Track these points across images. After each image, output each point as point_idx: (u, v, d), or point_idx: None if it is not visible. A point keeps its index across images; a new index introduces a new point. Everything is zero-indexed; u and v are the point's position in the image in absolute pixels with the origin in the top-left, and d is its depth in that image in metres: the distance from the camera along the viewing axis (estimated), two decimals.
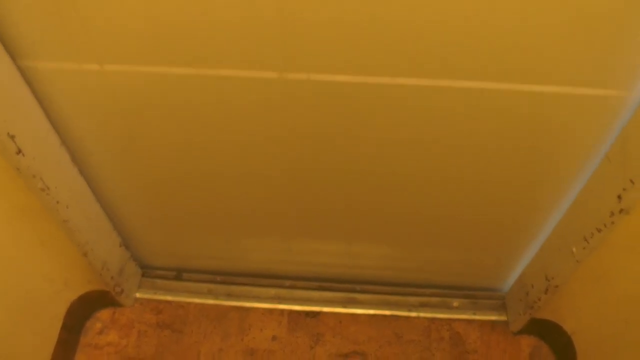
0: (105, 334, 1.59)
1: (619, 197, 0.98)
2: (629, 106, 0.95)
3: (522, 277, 1.50)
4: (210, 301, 1.65)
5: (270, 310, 1.65)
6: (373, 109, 1.04)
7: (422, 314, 1.64)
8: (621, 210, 1.00)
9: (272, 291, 1.67)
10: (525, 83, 0.95)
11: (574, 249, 1.17)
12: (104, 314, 1.61)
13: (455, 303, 1.65)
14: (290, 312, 1.65)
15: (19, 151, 1.00)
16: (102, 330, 1.59)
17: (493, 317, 1.63)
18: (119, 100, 1.06)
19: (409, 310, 1.64)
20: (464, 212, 1.33)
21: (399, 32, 0.88)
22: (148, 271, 1.70)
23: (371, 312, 1.64)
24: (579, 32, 0.85)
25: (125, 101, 1.06)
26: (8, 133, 0.96)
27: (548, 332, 1.52)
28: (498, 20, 0.85)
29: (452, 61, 0.92)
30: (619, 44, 0.86)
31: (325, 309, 1.65)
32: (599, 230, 1.07)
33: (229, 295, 1.66)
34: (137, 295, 1.65)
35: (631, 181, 0.94)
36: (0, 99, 0.93)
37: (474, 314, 1.63)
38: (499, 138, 1.09)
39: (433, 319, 1.63)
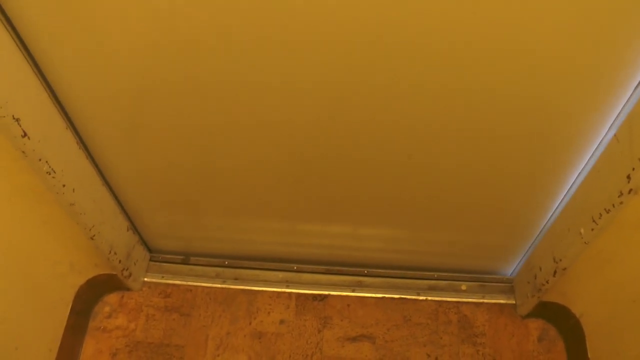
0: (114, 318, 1.60)
1: (628, 177, 0.97)
2: (635, 85, 0.94)
3: (530, 260, 1.49)
4: (218, 285, 1.66)
5: (278, 294, 1.65)
6: (380, 93, 1.04)
7: (430, 297, 1.64)
8: (630, 191, 0.99)
9: (280, 275, 1.67)
10: (528, 63, 0.94)
11: (582, 231, 1.16)
12: (112, 298, 1.62)
13: (464, 286, 1.65)
14: (298, 295, 1.65)
15: (25, 134, 1.00)
16: (111, 314, 1.60)
17: (501, 300, 1.62)
18: (124, 81, 1.05)
19: (417, 294, 1.64)
20: (471, 195, 1.32)
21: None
22: (156, 255, 1.70)
23: (379, 295, 1.64)
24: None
25: (130, 82, 1.06)
26: (13, 116, 0.96)
27: (556, 315, 1.51)
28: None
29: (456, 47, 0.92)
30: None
31: (333, 293, 1.65)
32: (608, 211, 1.06)
33: (237, 279, 1.66)
34: (145, 279, 1.66)
35: None
36: (4, 81, 0.93)
37: (482, 297, 1.63)
38: (506, 120, 1.08)
39: (441, 302, 1.63)
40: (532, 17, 0.86)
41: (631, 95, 0.97)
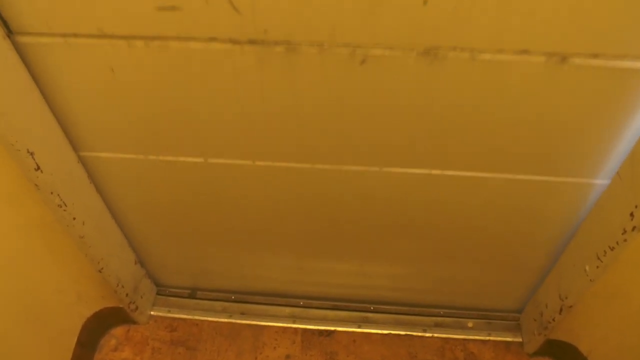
0: (120, 351, 1.60)
1: (632, 214, 0.98)
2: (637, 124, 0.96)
3: (536, 297, 1.49)
4: (224, 319, 1.66)
5: (284, 329, 1.65)
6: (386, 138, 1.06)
7: (436, 334, 1.63)
8: (634, 228, 0.99)
9: (287, 310, 1.67)
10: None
11: (587, 268, 1.16)
12: (119, 331, 1.63)
13: (470, 323, 1.64)
14: (305, 330, 1.65)
15: (38, 167, 1.02)
16: (117, 347, 1.60)
17: (508, 338, 1.61)
18: (132, 114, 1.08)
19: (424, 330, 1.63)
20: (478, 233, 1.33)
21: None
22: (162, 289, 1.71)
23: (385, 331, 1.63)
24: None
25: (139, 116, 1.08)
26: (27, 149, 0.99)
27: (563, 353, 1.50)
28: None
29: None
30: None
31: (340, 328, 1.65)
32: (612, 248, 1.07)
33: (243, 314, 1.67)
34: (152, 312, 1.66)
35: None
36: (21, 116, 0.96)
37: (489, 334, 1.62)
38: (511, 162, 1.10)
39: (447, 339, 1.63)
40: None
41: (633, 134, 0.98)
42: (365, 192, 1.22)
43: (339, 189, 1.22)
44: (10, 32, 0.91)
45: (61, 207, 1.13)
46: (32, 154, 1.00)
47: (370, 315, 1.66)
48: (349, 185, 1.20)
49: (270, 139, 1.10)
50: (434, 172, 1.14)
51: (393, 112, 1.01)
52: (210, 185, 1.26)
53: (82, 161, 1.18)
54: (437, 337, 1.63)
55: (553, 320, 1.37)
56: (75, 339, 1.47)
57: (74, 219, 1.18)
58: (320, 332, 1.64)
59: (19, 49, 0.94)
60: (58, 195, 1.10)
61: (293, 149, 1.12)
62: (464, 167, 1.12)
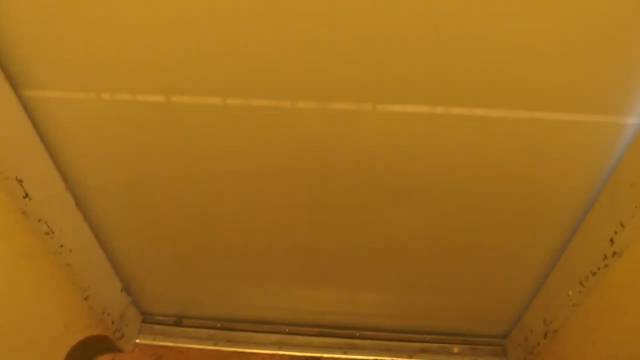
0: None
1: (611, 240, 1.00)
2: (617, 152, 0.98)
3: (521, 323, 1.50)
4: (211, 347, 1.65)
5: (271, 356, 1.64)
6: (377, 154, 1.07)
7: None
8: (614, 253, 1.01)
9: (273, 337, 1.67)
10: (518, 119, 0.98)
11: (570, 293, 1.18)
12: (104, 359, 1.61)
13: (456, 349, 1.65)
14: (291, 357, 1.64)
15: (26, 195, 1.03)
16: None
17: None
18: (121, 145, 1.09)
19: (409, 356, 1.63)
20: (463, 261, 1.34)
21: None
22: (148, 317, 1.70)
23: (371, 357, 1.63)
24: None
25: (127, 146, 1.09)
26: (16, 177, 0.99)
27: None
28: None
29: (450, 87, 0.94)
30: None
31: (326, 355, 1.64)
32: (594, 274, 1.09)
33: (230, 341, 1.66)
34: (137, 340, 1.65)
35: (621, 224, 0.96)
36: (10, 144, 0.97)
37: (475, 359, 1.62)
38: (496, 194, 1.12)
39: None
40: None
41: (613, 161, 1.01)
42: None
43: (324, 211, 1.23)
44: None
45: (48, 234, 1.13)
46: (20, 181, 1.00)
47: (356, 341, 1.66)
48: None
49: (255, 166, 1.11)
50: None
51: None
52: (196, 214, 1.26)
53: (69, 187, 1.19)
54: None
55: (538, 345, 1.38)
56: None
57: (61, 246, 1.18)
58: (307, 358, 1.64)
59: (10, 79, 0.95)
60: (46, 222, 1.10)
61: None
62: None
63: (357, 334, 1.67)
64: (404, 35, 0.86)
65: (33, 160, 1.05)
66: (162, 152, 1.10)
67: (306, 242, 1.33)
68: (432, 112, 0.97)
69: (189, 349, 1.64)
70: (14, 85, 0.96)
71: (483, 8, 0.82)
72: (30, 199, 1.04)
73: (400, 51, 0.88)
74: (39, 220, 1.09)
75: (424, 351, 1.64)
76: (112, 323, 1.48)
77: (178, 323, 1.70)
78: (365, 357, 1.63)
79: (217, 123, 1.02)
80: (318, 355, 1.64)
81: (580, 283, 1.13)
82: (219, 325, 1.69)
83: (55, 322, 1.39)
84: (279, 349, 1.65)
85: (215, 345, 1.64)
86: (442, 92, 0.94)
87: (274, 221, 1.27)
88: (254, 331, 1.68)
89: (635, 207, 0.92)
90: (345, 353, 1.64)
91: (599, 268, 1.06)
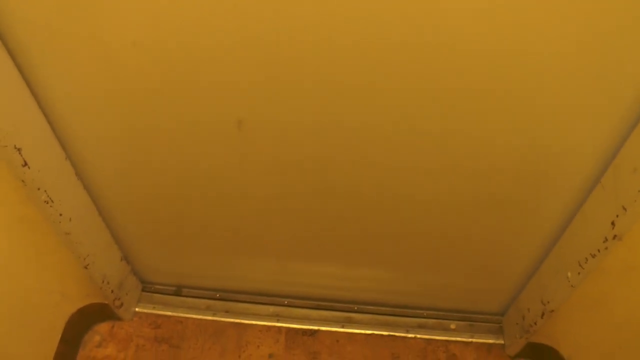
0: (104, 347, 1.60)
1: (612, 223, 1.00)
2: (621, 134, 0.97)
3: (519, 301, 1.51)
4: (209, 317, 1.66)
5: (268, 328, 1.65)
6: (376, 133, 1.06)
7: (419, 335, 1.64)
8: (614, 237, 1.01)
9: (271, 309, 1.68)
10: (523, 108, 0.97)
11: (569, 274, 1.18)
12: (103, 327, 1.62)
13: (453, 325, 1.66)
14: (288, 330, 1.65)
15: (25, 164, 1.02)
16: (101, 343, 1.60)
17: (490, 340, 1.63)
18: (122, 115, 1.08)
19: (406, 331, 1.65)
20: (462, 238, 1.34)
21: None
22: (148, 286, 1.71)
23: (368, 332, 1.64)
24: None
25: (127, 116, 1.08)
26: (15, 146, 0.98)
27: (544, 356, 1.52)
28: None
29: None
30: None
31: (323, 328, 1.65)
32: (593, 256, 1.08)
33: (228, 312, 1.67)
34: (137, 309, 1.66)
35: (623, 208, 0.95)
36: (7, 111, 0.96)
37: (471, 336, 1.63)
38: (498, 163, 1.10)
39: (430, 340, 1.64)
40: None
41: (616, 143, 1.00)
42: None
43: (324, 184, 1.23)
44: None
45: (48, 203, 1.12)
46: (19, 149, 1.00)
47: (353, 315, 1.67)
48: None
49: (254, 136, 1.10)
50: None
51: None
52: (196, 184, 1.26)
53: (69, 156, 1.18)
54: (420, 338, 1.64)
55: (535, 324, 1.39)
56: (59, 336, 1.47)
57: (61, 215, 1.17)
58: (304, 331, 1.65)
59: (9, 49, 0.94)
60: (45, 191, 1.10)
61: None
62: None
63: (355, 308, 1.68)
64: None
65: (32, 129, 1.04)
66: (163, 122, 1.09)
67: (307, 217, 1.33)
68: None
69: (187, 318, 1.66)
70: (12, 53, 0.95)
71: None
72: (29, 168, 1.03)
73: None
74: (38, 189, 1.08)
75: (421, 327, 1.66)
76: (112, 292, 1.48)
77: (177, 293, 1.71)
78: (362, 331, 1.64)
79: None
80: (316, 328, 1.65)
81: (580, 265, 1.13)
82: (217, 295, 1.70)
83: (54, 290, 1.40)
84: (277, 321, 1.66)
85: (213, 315, 1.66)
86: None
87: (274, 194, 1.26)
88: (252, 302, 1.69)
89: (638, 191, 0.91)
90: (343, 327, 1.65)
91: (598, 250, 1.06)
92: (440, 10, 0.82)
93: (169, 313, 1.67)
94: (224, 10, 0.85)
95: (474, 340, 1.63)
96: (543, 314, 1.33)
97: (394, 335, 1.64)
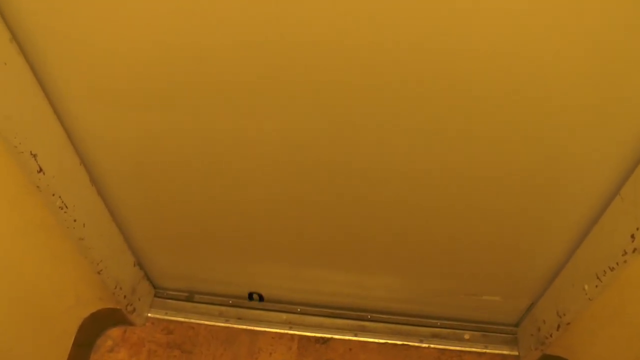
0: (116, 352, 1.60)
1: (632, 236, 0.98)
2: None
3: (534, 313, 1.49)
4: (221, 323, 1.66)
5: (281, 335, 1.65)
6: (392, 139, 1.06)
7: (432, 345, 1.63)
8: (634, 250, 0.99)
9: (284, 316, 1.67)
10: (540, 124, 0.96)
11: (586, 287, 1.16)
12: (115, 332, 1.63)
13: (467, 335, 1.64)
14: (301, 337, 1.65)
15: (40, 169, 1.02)
16: (113, 348, 1.60)
17: (504, 351, 1.61)
18: (136, 121, 1.08)
19: (420, 341, 1.63)
20: (478, 248, 1.33)
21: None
22: (160, 291, 1.71)
23: (381, 340, 1.63)
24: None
25: (142, 123, 1.08)
26: (30, 152, 0.99)
27: None
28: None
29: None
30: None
31: (336, 336, 1.64)
32: (612, 269, 1.06)
33: (240, 319, 1.66)
34: (149, 314, 1.66)
35: None
36: (24, 118, 0.96)
37: (485, 347, 1.62)
38: (515, 172, 1.09)
39: (444, 350, 1.62)
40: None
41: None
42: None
43: (338, 191, 1.22)
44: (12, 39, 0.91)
45: (62, 209, 1.13)
46: (35, 156, 1.00)
47: (367, 324, 1.66)
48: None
49: (268, 143, 1.10)
50: None
51: None
52: (209, 191, 1.26)
53: (84, 162, 1.18)
54: (434, 348, 1.62)
55: (550, 336, 1.37)
56: (72, 340, 1.47)
57: (75, 220, 1.18)
58: (317, 339, 1.64)
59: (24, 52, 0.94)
60: (59, 197, 1.10)
61: None
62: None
63: (369, 317, 1.67)
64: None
65: (47, 135, 1.04)
66: (177, 128, 1.09)
67: (320, 224, 1.32)
68: None
69: (199, 324, 1.65)
70: (28, 59, 0.95)
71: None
72: (44, 174, 1.04)
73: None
74: (53, 195, 1.09)
75: (434, 336, 1.64)
76: (124, 297, 1.48)
77: (190, 298, 1.71)
78: (375, 340, 1.63)
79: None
80: (329, 336, 1.64)
81: (597, 277, 1.11)
82: (230, 302, 1.70)
83: (67, 295, 1.40)
84: (290, 328, 1.65)
85: (225, 322, 1.65)
86: None
87: (289, 200, 1.26)
88: (264, 309, 1.68)
89: None
90: (355, 335, 1.64)
91: (617, 263, 1.04)
92: (457, 16, 0.81)
93: (181, 319, 1.66)
94: (243, 14, 0.85)
95: (487, 350, 1.61)
96: (559, 326, 1.32)
97: (408, 345, 1.63)
